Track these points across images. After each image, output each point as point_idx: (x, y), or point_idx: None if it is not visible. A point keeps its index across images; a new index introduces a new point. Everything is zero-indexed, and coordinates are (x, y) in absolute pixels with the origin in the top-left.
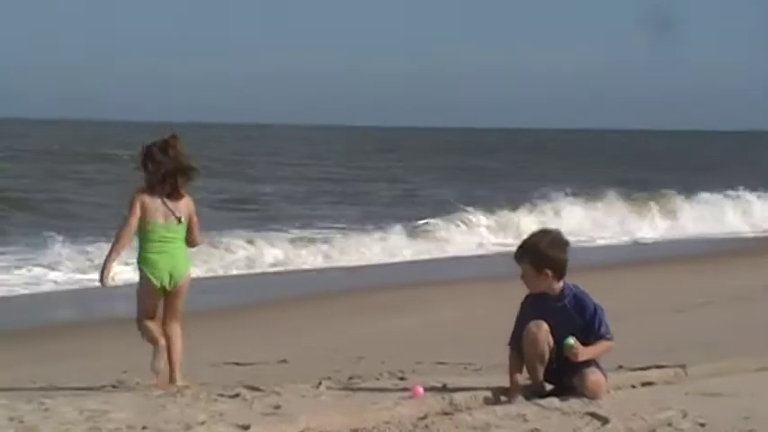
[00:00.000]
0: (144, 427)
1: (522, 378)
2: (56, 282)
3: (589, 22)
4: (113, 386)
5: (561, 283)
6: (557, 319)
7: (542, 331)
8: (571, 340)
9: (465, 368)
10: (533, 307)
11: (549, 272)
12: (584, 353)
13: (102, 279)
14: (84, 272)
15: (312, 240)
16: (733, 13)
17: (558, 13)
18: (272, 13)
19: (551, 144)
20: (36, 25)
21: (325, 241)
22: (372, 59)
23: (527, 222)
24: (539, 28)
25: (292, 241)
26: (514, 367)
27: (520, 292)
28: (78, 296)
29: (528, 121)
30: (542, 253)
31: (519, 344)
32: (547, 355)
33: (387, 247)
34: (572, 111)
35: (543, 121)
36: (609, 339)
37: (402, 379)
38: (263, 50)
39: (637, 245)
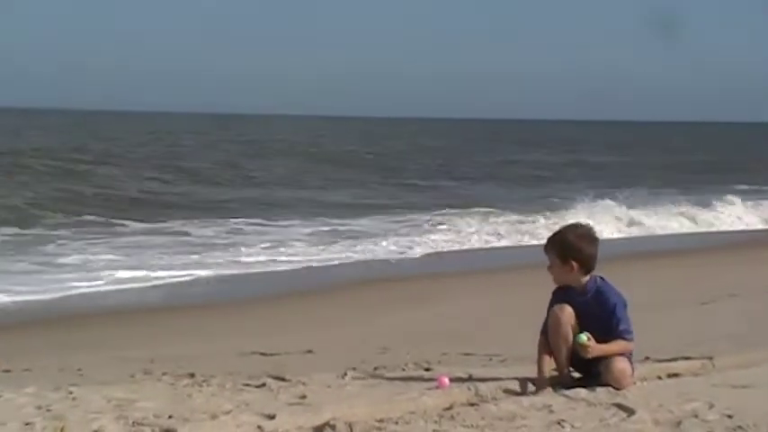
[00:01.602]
0: (170, 416)
1: (550, 367)
2: None
3: None
4: (141, 375)
5: (587, 278)
6: (579, 311)
7: (565, 314)
8: (584, 337)
9: (490, 359)
10: (561, 298)
11: (575, 264)
12: (595, 350)
13: None
14: None
15: None
16: None
17: None
18: None
19: None
20: None
21: None
22: None
23: None
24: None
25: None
26: (542, 353)
27: (546, 282)
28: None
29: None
30: (569, 244)
31: (547, 331)
32: (571, 338)
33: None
34: None
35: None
36: (626, 339)
37: (427, 369)
38: None
39: (671, 235)
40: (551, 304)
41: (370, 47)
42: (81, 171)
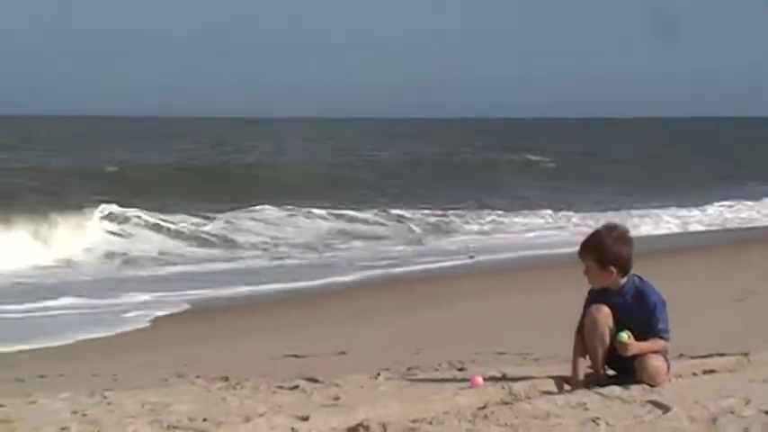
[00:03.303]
0: (204, 419)
1: (584, 370)
2: None
3: None
4: (174, 379)
5: (625, 279)
6: (618, 312)
7: (603, 314)
8: (624, 335)
9: (524, 358)
10: (597, 297)
11: (614, 268)
12: (634, 348)
13: None
14: None
15: None
16: None
17: None
18: None
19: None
20: None
21: None
22: None
23: None
24: None
25: None
26: (577, 354)
27: (580, 281)
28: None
29: None
30: (607, 249)
31: (583, 330)
32: (607, 339)
33: None
34: None
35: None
36: (664, 338)
37: (461, 369)
38: None
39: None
40: (587, 304)
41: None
42: None
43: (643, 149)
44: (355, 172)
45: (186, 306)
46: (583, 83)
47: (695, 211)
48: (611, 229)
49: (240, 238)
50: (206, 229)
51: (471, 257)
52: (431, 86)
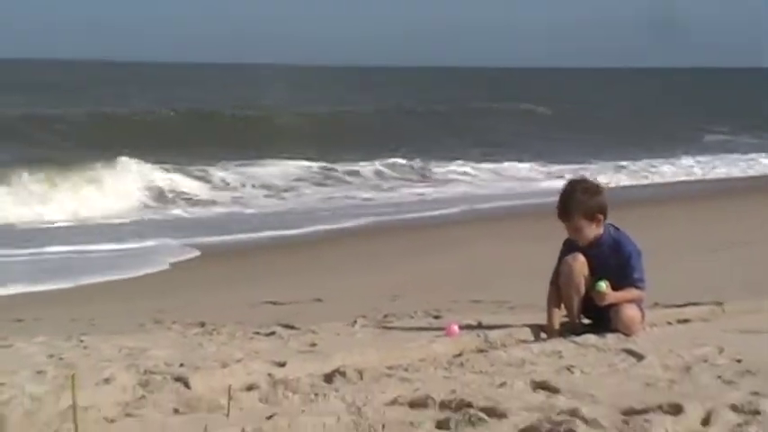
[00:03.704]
0: (181, 365)
1: (560, 317)
2: None
3: None
4: (151, 325)
5: (602, 229)
6: (594, 263)
7: (578, 263)
8: (603, 285)
9: (500, 306)
10: (573, 248)
11: (601, 216)
12: (610, 298)
13: None
14: None
15: None
16: None
17: None
18: None
19: None
20: None
21: None
22: None
23: None
24: None
25: None
26: (552, 302)
27: (557, 229)
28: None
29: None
30: (588, 202)
31: (557, 280)
32: (583, 288)
33: None
34: None
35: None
36: (640, 288)
37: (437, 317)
38: None
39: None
40: (562, 254)
41: None
42: None
43: (637, 100)
44: (350, 121)
45: (170, 260)
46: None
47: (676, 163)
48: (579, 182)
49: (239, 187)
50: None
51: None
52: (419, 34)
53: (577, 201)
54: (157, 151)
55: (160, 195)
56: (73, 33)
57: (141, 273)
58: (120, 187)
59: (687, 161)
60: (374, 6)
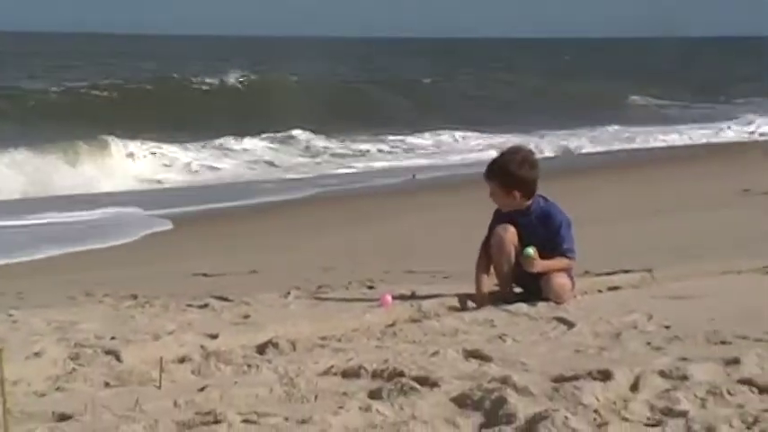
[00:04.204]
0: (113, 338)
1: (489, 284)
2: None
3: None
4: (82, 298)
5: (530, 201)
6: (523, 232)
7: (509, 233)
8: (531, 250)
9: (433, 276)
10: (503, 217)
11: (518, 193)
12: (539, 266)
13: None
14: None
15: None
16: None
17: None
18: None
19: None
20: None
21: None
22: None
23: None
24: None
25: None
26: (480, 270)
27: (491, 202)
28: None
29: None
30: (512, 174)
31: (487, 248)
32: (513, 258)
33: None
34: None
35: None
36: (569, 257)
37: (371, 288)
38: None
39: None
40: (493, 224)
41: None
42: None
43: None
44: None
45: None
46: None
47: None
48: (514, 152)
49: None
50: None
51: (413, 176)
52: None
53: (500, 168)
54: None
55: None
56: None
57: (87, 246)
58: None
59: (613, 129)
60: None
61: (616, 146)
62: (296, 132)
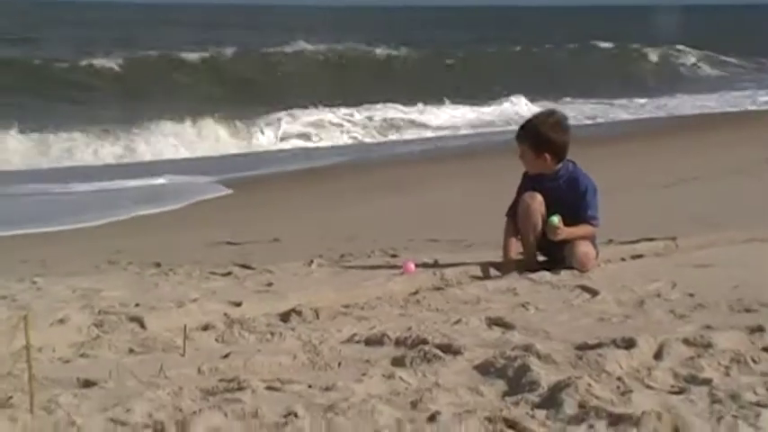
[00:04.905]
0: (137, 305)
1: (517, 249)
2: None
3: None
4: (106, 266)
5: (560, 165)
6: (550, 196)
7: (536, 201)
8: (555, 219)
9: (456, 245)
10: (531, 181)
11: (548, 155)
12: (563, 233)
13: None
14: None
15: None
16: None
17: None
18: None
19: None
20: None
21: None
22: None
23: None
24: None
25: None
26: (508, 235)
27: (517, 166)
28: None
29: None
30: (544, 135)
31: (515, 214)
32: (540, 227)
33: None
34: None
35: None
36: (593, 225)
37: (394, 256)
38: None
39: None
40: (521, 189)
41: None
42: None
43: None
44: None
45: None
46: None
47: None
48: (548, 115)
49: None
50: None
51: None
52: None
53: (532, 128)
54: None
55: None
56: None
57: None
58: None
59: (640, 100)
60: None
61: (646, 114)
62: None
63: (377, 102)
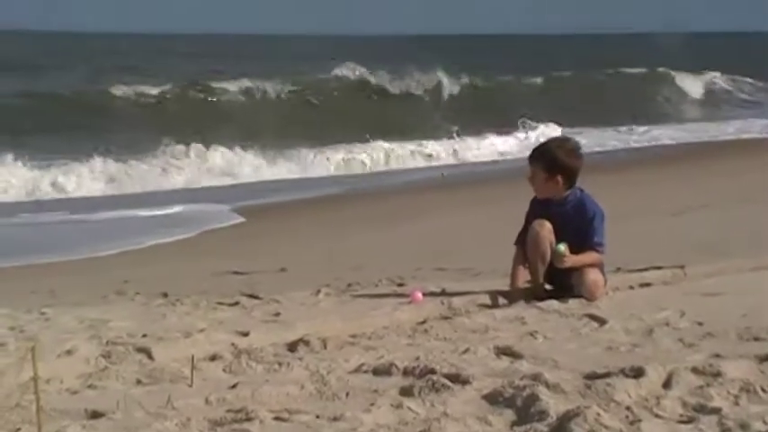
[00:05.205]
0: (144, 335)
1: (524, 278)
2: None
3: None
4: (113, 296)
5: (569, 190)
6: (557, 222)
7: (545, 229)
8: (562, 247)
9: (464, 273)
10: (539, 208)
11: (561, 178)
12: (570, 261)
13: None
14: None
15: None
16: None
17: None
18: None
19: None
20: None
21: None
22: None
23: None
24: None
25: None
26: (517, 263)
27: (525, 197)
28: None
29: None
30: (558, 158)
31: (524, 242)
32: (548, 255)
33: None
34: None
35: None
36: (599, 251)
37: (401, 285)
38: None
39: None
40: (529, 215)
41: None
42: None
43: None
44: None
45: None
46: None
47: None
48: (563, 140)
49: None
50: None
51: (442, 174)
52: None
53: (546, 150)
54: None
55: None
56: None
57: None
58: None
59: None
60: None
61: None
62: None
63: (413, 133)
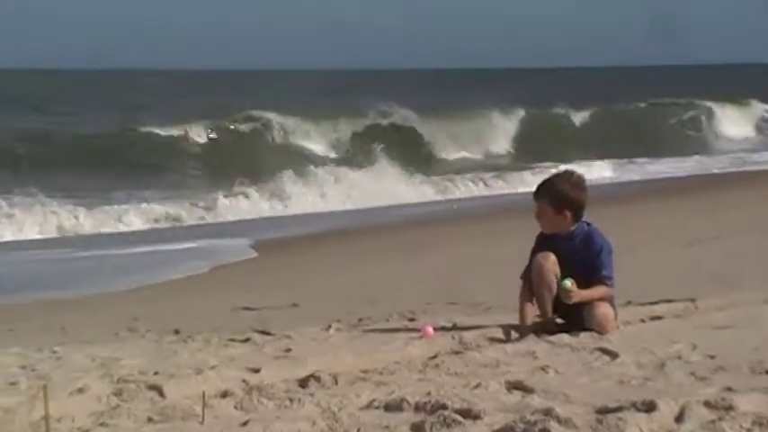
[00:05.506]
0: (156, 373)
1: (533, 313)
2: None
3: None
4: (125, 333)
5: (575, 225)
6: (564, 256)
7: (549, 261)
8: (568, 283)
9: (475, 307)
10: (545, 242)
11: (569, 213)
12: (577, 296)
13: None
14: None
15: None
16: None
17: None
18: None
19: None
20: None
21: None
22: None
23: None
24: None
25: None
26: (524, 300)
27: (532, 228)
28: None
29: None
30: (564, 194)
31: (529, 276)
32: (555, 287)
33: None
34: None
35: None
36: (607, 285)
37: (412, 320)
38: None
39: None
40: (535, 250)
41: None
42: None
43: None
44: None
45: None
46: None
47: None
48: (569, 174)
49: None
50: None
51: (453, 207)
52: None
53: (552, 185)
54: None
55: None
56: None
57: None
58: None
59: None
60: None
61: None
62: None
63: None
